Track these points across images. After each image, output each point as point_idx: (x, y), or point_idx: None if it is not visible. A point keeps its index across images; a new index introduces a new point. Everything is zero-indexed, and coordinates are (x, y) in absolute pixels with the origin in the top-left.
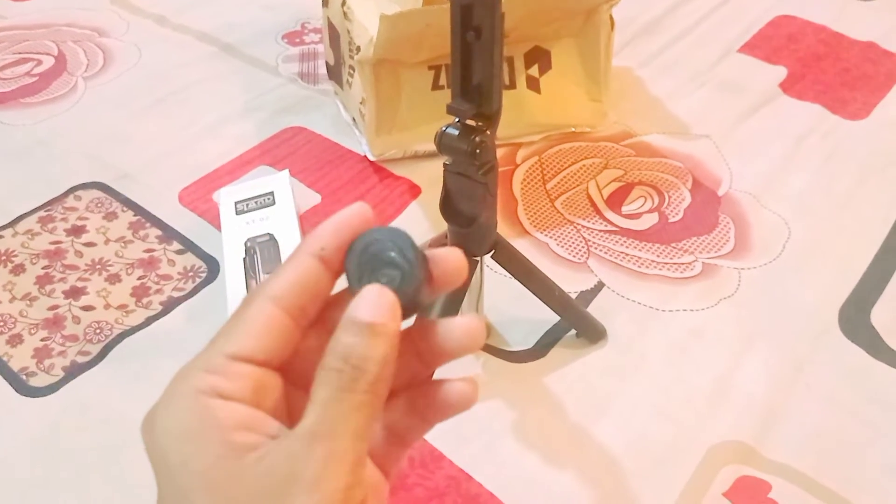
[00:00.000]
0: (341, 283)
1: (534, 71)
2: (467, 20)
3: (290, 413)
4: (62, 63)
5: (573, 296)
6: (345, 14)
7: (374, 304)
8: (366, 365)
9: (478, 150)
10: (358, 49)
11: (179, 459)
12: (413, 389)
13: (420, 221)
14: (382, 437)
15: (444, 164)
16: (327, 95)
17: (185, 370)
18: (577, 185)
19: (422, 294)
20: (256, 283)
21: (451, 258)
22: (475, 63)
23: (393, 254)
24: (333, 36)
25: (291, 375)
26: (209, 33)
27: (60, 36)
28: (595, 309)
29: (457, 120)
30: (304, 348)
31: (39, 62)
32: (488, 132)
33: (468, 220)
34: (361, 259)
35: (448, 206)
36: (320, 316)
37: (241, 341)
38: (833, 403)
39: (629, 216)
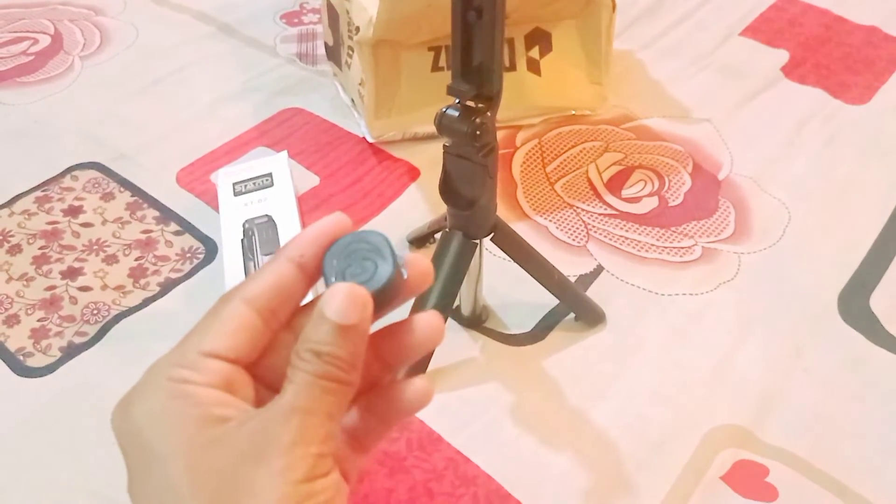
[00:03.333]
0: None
1: (534, 53)
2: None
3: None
4: (58, 42)
5: (572, 279)
6: None
7: (344, 302)
8: (335, 361)
9: (478, 132)
10: (357, 30)
11: (158, 434)
12: (371, 393)
13: (419, 204)
14: (343, 442)
15: (444, 146)
16: (326, 76)
17: (157, 364)
18: (577, 169)
19: (394, 289)
20: (254, 264)
21: (419, 263)
22: (476, 43)
23: (367, 248)
24: (332, 16)
25: (261, 375)
26: (207, 13)
27: (57, 14)
28: (594, 292)
29: (457, 101)
30: (274, 350)
31: (36, 41)
32: (489, 114)
33: (468, 203)
34: (337, 255)
35: (447, 189)
36: (292, 321)
37: (213, 339)
38: (831, 388)
39: (629, 200)
